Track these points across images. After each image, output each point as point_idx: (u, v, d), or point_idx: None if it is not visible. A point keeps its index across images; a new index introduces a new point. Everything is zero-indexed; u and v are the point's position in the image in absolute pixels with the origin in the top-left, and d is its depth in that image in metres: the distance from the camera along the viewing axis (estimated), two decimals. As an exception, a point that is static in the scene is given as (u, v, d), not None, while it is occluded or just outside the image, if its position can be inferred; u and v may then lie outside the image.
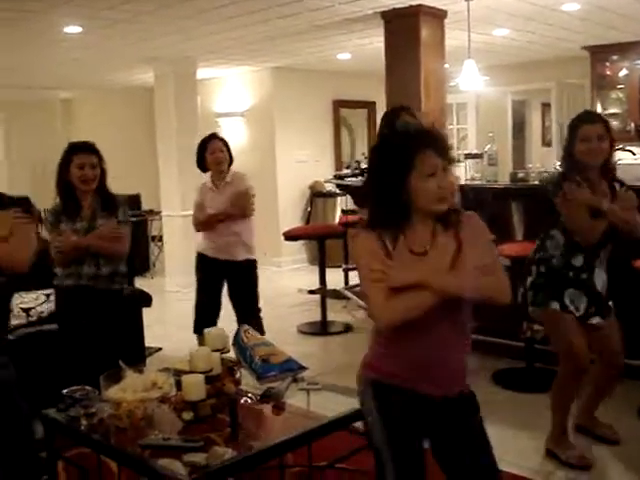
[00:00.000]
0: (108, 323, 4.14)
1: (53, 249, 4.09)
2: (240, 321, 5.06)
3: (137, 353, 4.71)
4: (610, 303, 3.69)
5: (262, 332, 4.67)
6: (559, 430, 3.73)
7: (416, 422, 2.35)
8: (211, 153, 5.04)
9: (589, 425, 3.93)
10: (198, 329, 4.99)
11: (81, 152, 4.08)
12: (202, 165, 5.14)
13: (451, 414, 2.40)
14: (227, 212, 5.02)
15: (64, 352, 4.15)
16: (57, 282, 4.21)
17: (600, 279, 3.60)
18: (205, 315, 5.05)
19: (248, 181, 5.16)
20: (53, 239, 4.11)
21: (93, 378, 3.14)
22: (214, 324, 4.77)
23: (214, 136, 5.21)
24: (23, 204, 3.08)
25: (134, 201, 10.16)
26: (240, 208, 5.04)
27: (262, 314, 5.21)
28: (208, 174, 5.20)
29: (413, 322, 2.23)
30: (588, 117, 3.66)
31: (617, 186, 3.63)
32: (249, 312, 5.11)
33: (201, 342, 3.97)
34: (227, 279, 5.16)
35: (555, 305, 3.56)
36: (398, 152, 2.24)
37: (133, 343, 4.34)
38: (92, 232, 4.07)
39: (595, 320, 3.61)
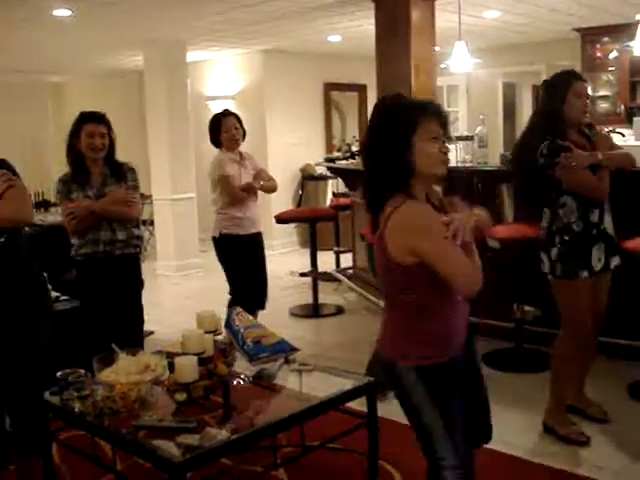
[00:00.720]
0: (128, 287, 4.34)
1: (67, 217, 4.18)
2: (253, 305, 5.07)
3: (135, 335, 4.71)
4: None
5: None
6: (558, 405, 3.75)
7: (455, 388, 2.42)
8: (226, 131, 5.04)
9: (579, 404, 3.93)
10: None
11: (91, 121, 4.22)
12: (217, 142, 5.12)
13: (468, 369, 2.51)
14: (269, 186, 5.19)
15: (87, 323, 4.30)
16: (75, 253, 4.27)
17: (610, 223, 3.63)
18: (245, 297, 4.96)
19: (257, 162, 5.33)
20: (65, 208, 4.21)
21: (84, 361, 3.17)
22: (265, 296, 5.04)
23: (228, 112, 5.22)
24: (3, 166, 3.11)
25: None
26: (274, 181, 5.25)
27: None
28: (214, 150, 5.22)
29: (444, 295, 2.31)
30: (576, 75, 3.64)
31: (587, 130, 3.67)
32: (263, 296, 5.22)
33: None
34: (250, 253, 5.17)
35: (584, 274, 3.55)
36: (404, 114, 2.29)
37: (132, 325, 4.35)
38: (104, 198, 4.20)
39: (615, 262, 3.67)
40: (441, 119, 2.31)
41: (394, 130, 2.27)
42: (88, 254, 4.21)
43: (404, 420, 2.49)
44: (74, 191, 4.19)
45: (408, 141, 2.25)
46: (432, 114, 2.29)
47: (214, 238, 5.16)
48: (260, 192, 5.18)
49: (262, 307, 5.21)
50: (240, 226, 5.06)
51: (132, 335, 4.21)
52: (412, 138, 2.24)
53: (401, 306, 2.38)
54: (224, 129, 5.04)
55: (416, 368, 2.35)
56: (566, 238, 3.58)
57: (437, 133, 2.28)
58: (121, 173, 4.32)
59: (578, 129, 3.63)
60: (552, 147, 3.49)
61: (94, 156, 4.21)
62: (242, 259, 5.12)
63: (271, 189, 5.28)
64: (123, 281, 4.28)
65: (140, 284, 4.49)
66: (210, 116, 5.35)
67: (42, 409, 3.18)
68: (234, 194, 5.00)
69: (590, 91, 3.64)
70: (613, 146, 3.76)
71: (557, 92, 3.55)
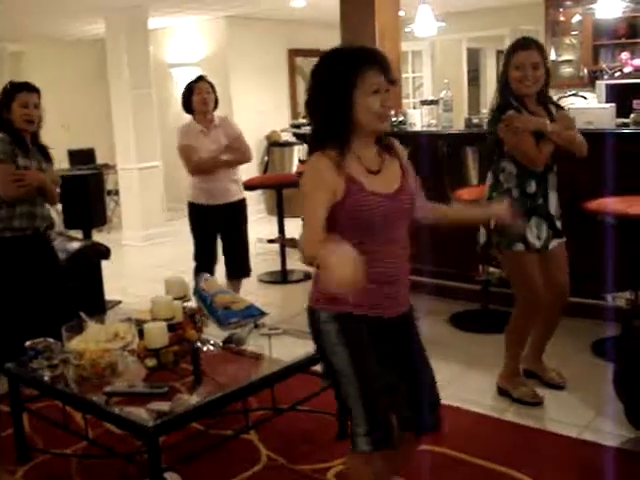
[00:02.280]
0: (49, 266, 4.25)
1: (11, 180, 3.95)
2: (231, 275, 5.11)
3: (97, 306, 4.70)
4: (559, 224, 3.66)
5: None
6: (512, 369, 3.80)
7: (379, 345, 2.31)
8: (198, 94, 4.95)
9: (537, 370, 3.95)
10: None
11: (25, 90, 4.04)
12: (188, 107, 5.04)
13: (403, 329, 2.42)
14: (232, 160, 5.02)
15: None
16: (4, 225, 4.03)
17: (553, 202, 3.60)
18: (205, 265, 4.98)
19: (237, 125, 5.19)
20: (12, 170, 3.97)
21: (53, 330, 3.16)
22: (212, 273, 4.84)
23: (201, 78, 5.11)
24: None
25: (88, 155, 10.03)
26: (242, 153, 5.07)
27: (221, 264, 5.21)
28: (188, 118, 5.11)
29: (368, 244, 2.20)
30: (522, 43, 3.55)
31: (553, 109, 3.62)
32: (244, 265, 5.19)
33: None
34: (222, 223, 5.10)
35: (520, 247, 3.54)
36: (342, 68, 2.19)
37: (92, 295, 4.34)
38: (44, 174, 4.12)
39: (553, 243, 3.63)
40: (382, 66, 2.20)
41: (334, 87, 2.18)
42: (23, 228, 4.05)
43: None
44: (20, 157, 4.02)
45: (349, 98, 2.16)
46: (372, 63, 2.18)
47: (187, 204, 5.16)
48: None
49: (246, 275, 5.22)
50: (205, 196, 4.98)
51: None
52: (353, 94, 2.16)
53: None
54: (196, 92, 4.95)
55: (337, 317, 2.26)
56: None
57: (378, 85, 2.18)
58: (48, 155, 4.25)
59: (540, 102, 3.57)
60: (498, 109, 3.53)
61: (28, 128, 4.03)
62: (204, 229, 5.07)
63: (237, 163, 5.09)
64: (45, 259, 4.22)
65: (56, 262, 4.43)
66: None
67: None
68: (192, 165, 4.91)
69: (547, 57, 3.53)
70: (571, 128, 3.62)
71: (504, 63, 3.55)
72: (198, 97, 4.94)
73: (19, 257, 4.07)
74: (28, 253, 4.08)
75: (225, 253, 5.17)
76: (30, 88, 4.08)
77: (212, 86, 5.05)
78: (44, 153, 4.22)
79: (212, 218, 5.03)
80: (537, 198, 3.54)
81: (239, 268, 5.16)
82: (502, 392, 3.83)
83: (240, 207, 5.16)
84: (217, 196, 4.99)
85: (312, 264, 2.03)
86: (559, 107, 3.73)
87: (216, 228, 5.10)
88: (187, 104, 5.02)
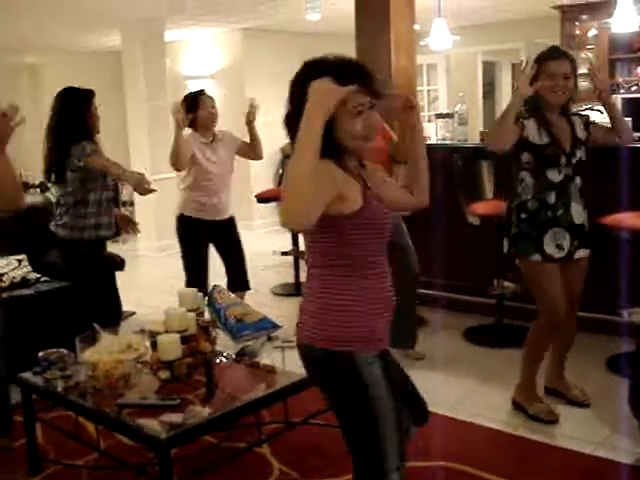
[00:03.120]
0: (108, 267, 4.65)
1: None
2: (239, 289, 5.01)
3: (111, 317, 4.71)
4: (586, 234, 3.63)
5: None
6: (528, 384, 3.76)
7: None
8: (203, 108, 4.87)
9: (559, 387, 3.91)
10: None
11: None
12: (193, 122, 4.91)
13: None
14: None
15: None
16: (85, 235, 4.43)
17: (578, 213, 3.53)
18: (198, 280, 4.89)
19: (235, 136, 5.15)
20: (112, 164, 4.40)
21: (67, 341, 3.17)
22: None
23: (204, 92, 5.04)
24: None
25: (104, 166, 10.07)
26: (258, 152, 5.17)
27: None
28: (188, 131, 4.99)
29: (379, 263, 2.10)
30: (555, 53, 3.53)
31: (577, 121, 3.58)
32: (244, 278, 5.11)
33: None
34: (218, 239, 5.04)
35: (536, 257, 3.50)
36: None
37: (108, 306, 4.36)
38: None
39: (580, 253, 3.58)
40: (366, 84, 1.99)
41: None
42: (102, 236, 4.47)
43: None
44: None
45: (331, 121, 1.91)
46: (359, 83, 1.96)
47: (177, 216, 5.02)
48: (238, 172, 5.08)
49: (248, 288, 5.19)
50: (205, 211, 4.89)
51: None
52: (335, 116, 1.94)
53: None
54: (202, 107, 4.87)
55: (352, 356, 2.06)
56: (522, 217, 3.54)
57: (362, 105, 1.98)
58: None
59: (563, 113, 3.54)
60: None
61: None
62: (201, 245, 4.98)
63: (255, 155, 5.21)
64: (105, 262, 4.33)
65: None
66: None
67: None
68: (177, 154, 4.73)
69: (577, 69, 3.49)
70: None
71: (533, 72, 3.46)
72: (204, 112, 4.86)
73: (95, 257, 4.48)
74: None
75: (226, 268, 5.10)
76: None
77: (213, 101, 5.00)
78: None
79: (210, 235, 4.95)
80: (557, 209, 3.49)
81: (242, 281, 5.09)
82: (518, 407, 3.79)
83: (233, 222, 5.08)
84: (214, 212, 4.91)
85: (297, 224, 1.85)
86: (582, 116, 3.69)
87: (208, 244, 5.02)
88: (191, 117, 4.87)
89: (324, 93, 1.84)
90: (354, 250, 2.05)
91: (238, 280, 5.05)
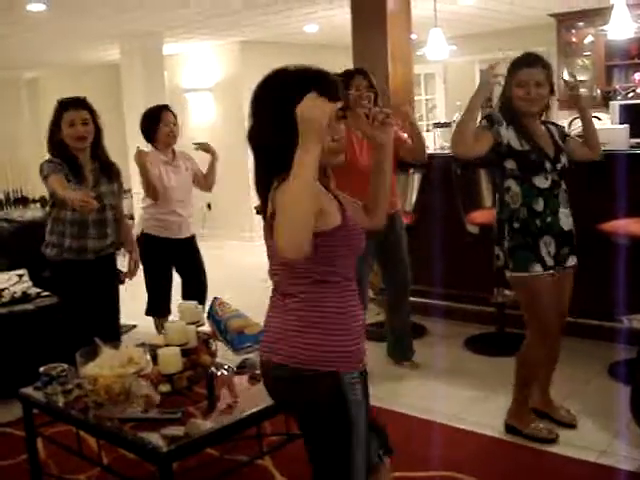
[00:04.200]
0: (107, 282, 4.25)
1: (81, 199, 3.59)
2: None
3: (113, 331, 4.71)
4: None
5: None
6: (522, 406, 3.63)
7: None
8: (165, 125, 4.75)
9: (547, 409, 3.78)
10: (157, 311, 4.95)
11: (71, 108, 3.90)
12: (150, 136, 4.83)
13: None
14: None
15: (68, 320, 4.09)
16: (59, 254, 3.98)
17: (566, 219, 3.45)
18: (164, 296, 4.92)
19: (196, 163, 5.01)
20: (79, 193, 3.67)
21: (68, 356, 3.17)
22: (169, 308, 4.78)
23: (166, 107, 4.91)
24: None
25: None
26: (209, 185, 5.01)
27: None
28: (146, 147, 4.95)
29: (348, 276, 2.03)
30: (526, 60, 3.41)
31: (554, 129, 3.53)
32: (204, 292, 4.97)
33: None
34: (179, 257, 4.93)
35: (537, 268, 3.38)
36: (278, 100, 1.90)
37: (109, 320, 4.33)
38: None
39: (570, 261, 3.50)
40: (332, 93, 1.86)
41: (278, 122, 1.87)
42: (73, 259, 3.98)
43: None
44: (72, 183, 3.82)
45: (294, 138, 1.75)
46: (323, 91, 1.81)
47: (139, 235, 4.83)
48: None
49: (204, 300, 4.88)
50: (167, 229, 4.78)
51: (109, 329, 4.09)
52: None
53: None
54: (164, 122, 4.75)
55: (334, 375, 1.99)
56: (516, 226, 3.41)
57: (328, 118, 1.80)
58: (112, 172, 4.11)
59: (541, 120, 3.50)
60: (489, 117, 3.46)
61: (79, 146, 3.88)
62: (164, 265, 4.89)
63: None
64: (103, 277, 4.19)
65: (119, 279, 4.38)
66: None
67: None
68: (154, 195, 4.74)
69: (552, 75, 3.41)
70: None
71: (507, 79, 3.43)
72: (166, 129, 4.74)
73: (74, 280, 4.01)
74: (84, 277, 4.02)
75: (191, 288, 4.95)
76: (76, 104, 3.94)
77: (176, 117, 4.88)
78: (108, 172, 4.07)
79: (171, 252, 4.86)
80: (546, 216, 3.39)
81: (200, 294, 4.88)
82: (510, 430, 3.64)
83: (195, 241, 5.00)
84: (176, 229, 4.81)
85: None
86: (558, 126, 3.63)
87: (173, 264, 4.94)
88: (150, 133, 4.81)
89: (315, 120, 1.73)
90: (332, 267, 1.99)
91: (196, 293, 4.79)
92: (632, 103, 7.06)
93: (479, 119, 3.59)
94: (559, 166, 3.42)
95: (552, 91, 3.44)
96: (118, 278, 4.35)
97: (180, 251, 4.89)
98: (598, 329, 4.64)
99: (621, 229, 4.01)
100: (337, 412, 1.98)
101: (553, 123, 3.64)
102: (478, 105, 3.38)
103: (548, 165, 3.39)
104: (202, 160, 4.98)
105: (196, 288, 4.91)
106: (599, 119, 6.34)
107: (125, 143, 9.06)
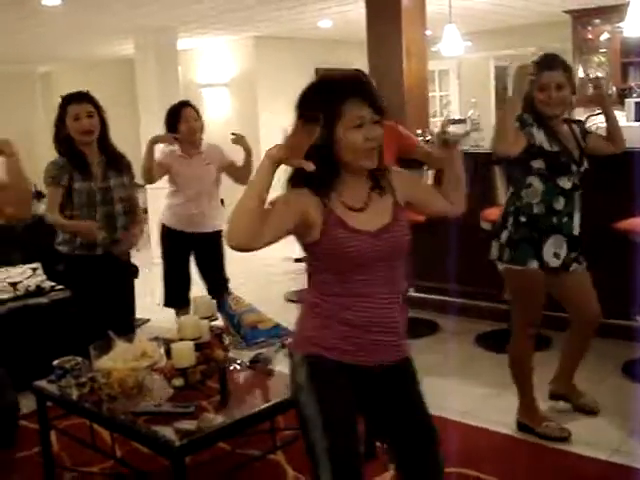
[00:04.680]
0: (121, 276, 4.20)
1: (68, 226, 3.89)
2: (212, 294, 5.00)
3: (127, 324, 4.72)
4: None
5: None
6: (528, 403, 3.64)
7: (352, 397, 2.15)
8: (185, 122, 4.78)
9: (568, 393, 3.83)
10: (173, 302, 4.95)
11: (74, 102, 3.88)
12: (174, 132, 4.82)
13: (389, 383, 2.21)
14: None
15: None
16: (70, 248, 3.98)
17: (578, 223, 3.49)
18: (179, 288, 4.91)
19: (226, 153, 4.97)
20: (53, 194, 3.88)
21: (82, 349, 3.18)
22: (187, 300, 4.74)
23: (187, 103, 4.93)
24: None
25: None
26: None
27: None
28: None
29: (347, 282, 2.09)
30: (547, 63, 3.44)
31: (576, 128, 3.56)
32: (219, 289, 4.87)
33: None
34: (197, 251, 4.94)
35: (533, 264, 3.42)
36: (321, 101, 2.03)
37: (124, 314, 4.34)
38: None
39: (574, 267, 3.52)
40: (366, 96, 2.04)
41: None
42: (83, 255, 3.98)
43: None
44: (77, 180, 3.86)
45: (330, 134, 2.00)
46: (355, 94, 2.01)
47: (160, 226, 4.94)
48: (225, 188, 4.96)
49: (226, 290, 4.85)
50: (183, 223, 4.82)
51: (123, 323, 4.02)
52: (334, 130, 2.01)
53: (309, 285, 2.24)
54: (184, 119, 4.78)
55: (308, 360, 2.13)
56: (522, 220, 3.44)
57: (362, 118, 2.01)
58: (121, 164, 4.10)
59: (565, 121, 3.53)
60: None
61: (85, 140, 3.88)
62: (179, 258, 4.91)
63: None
64: (117, 271, 4.17)
65: (133, 273, 4.39)
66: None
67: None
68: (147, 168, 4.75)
69: (573, 76, 3.44)
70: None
71: (529, 82, 3.39)
72: (185, 125, 4.76)
73: (87, 275, 4.00)
74: (97, 271, 3.99)
75: (209, 282, 4.97)
76: (80, 98, 3.92)
77: (198, 112, 4.90)
78: (117, 164, 4.07)
79: (190, 245, 4.88)
80: (563, 216, 3.44)
81: (220, 285, 4.90)
82: (523, 428, 3.65)
83: (219, 236, 4.92)
84: (194, 224, 4.81)
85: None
86: (579, 124, 3.65)
87: (188, 255, 4.94)
88: (172, 129, 4.82)
89: (270, 157, 1.95)
90: (318, 271, 2.16)
91: (216, 284, 4.88)
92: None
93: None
94: (582, 169, 3.47)
95: (574, 92, 3.48)
96: (133, 272, 4.35)
97: (197, 245, 4.90)
98: (612, 328, 4.61)
99: (637, 227, 3.99)
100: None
101: (575, 121, 3.66)
102: (517, 105, 3.37)
103: (574, 167, 3.44)
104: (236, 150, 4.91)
105: (211, 284, 4.92)
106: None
107: (139, 138, 9.09)
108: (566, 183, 3.43)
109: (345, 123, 2.01)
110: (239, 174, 4.83)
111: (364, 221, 2.09)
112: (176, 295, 4.87)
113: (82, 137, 3.89)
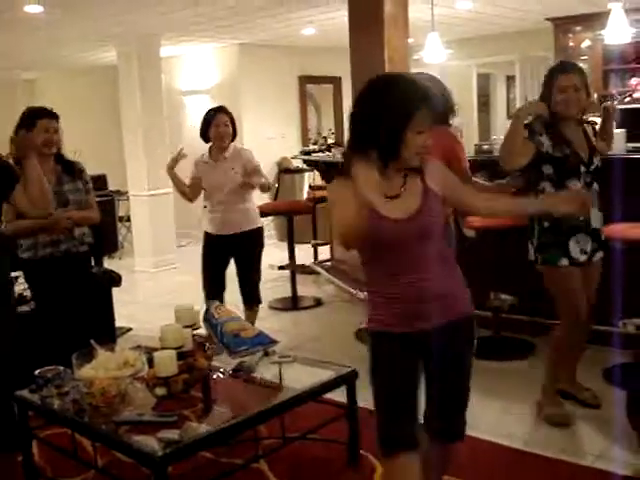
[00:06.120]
0: (81, 286, 4.28)
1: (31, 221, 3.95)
2: (247, 303, 5.09)
3: (108, 333, 4.70)
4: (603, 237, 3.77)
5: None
6: (552, 390, 3.84)
7: (413, 357, 2.45)
8: (215, 125, 4.92)
9: (571, 389, 4.00)
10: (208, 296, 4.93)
11: (46, 117, 4.17)
12: (206, 137, 5.01)
13: (443, 340, 2.48)
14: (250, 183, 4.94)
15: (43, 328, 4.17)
16: (31, 254, 4.18)
17: (596, 217, 3.68)
18: (214, 294, 4.85)
19: (254, 158, 5.06)
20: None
21: (64, 358, 3.16)
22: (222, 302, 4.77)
23: (221, 109, 5.08)
24: None
25: (100, 182, 10.08)
26: (256, 184, 4.94)
27: (231, 291, 5.17)
28: (201, 147, 5.12)
29: (387, 264, 2.38)
30: (564, 68, 3.70)
31: (589, 129, 3.74)
32: (252, 291, 5.12)
33: None
34: (234, 253, 5.05)
35: (565, 261, 3.61)
36: (400, 108, 2.28)
37: (103, 323, 4.33)
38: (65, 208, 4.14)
39: (598, 256, 3.72)
40: (431, 108, 2.33)
41: (389, 122, 2.27)
42: (46, 255, 4.16)
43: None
44: None
45: (400, 135, 2.27)
46: (426, 105, 2.30)
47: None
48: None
49: (257, 302, 5.17)
50: (212, 225, 4.99)
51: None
52: (404, 132, 2.27)
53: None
54: (214, 123, 4.92)
55: (371, 334, 2.48)
56: (546, 225, 3.63)
57: (425, 127, 2.30)
58: (75, 171, 4.30)
59: (579, 122, 3.68)
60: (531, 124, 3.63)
61: (48, 152, 4.14)
62: (207, 258, 5.06)
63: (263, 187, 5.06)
64: (77, 280, 4.24)
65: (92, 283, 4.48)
66: (185, 111, 5.27)
67: (11, 407, 3.17)
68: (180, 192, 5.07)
69: (587, 80, 3.68)
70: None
71: (546, 86, 3.65)
72: (215, 130, 4.91)
73: (49, 279, 4.17)
74: (58, 275, 4.16)
75: (239, 282, 5.11)
76: (51, 114, 4.22)
77: (231, 118, 5.01)
78: (70, 170, 4.28)
79: (220, 248, 5.00)
80: (578, 216, 3.51)
81: (248, 296, 5.12)
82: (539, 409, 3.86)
83: (251, 237, 5.04)
84: (221, 226, 4.96)
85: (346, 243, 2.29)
86: (590, 124, 3.82)
87: (225, 258, 5.06)
88: (205, 134, 4.99)
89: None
90: (368, 261, 2.44)
91: (247, 294, 5.09)
92: (629, 107, 7.08)
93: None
94: (592, 168, 3.65)
95: (588, 95, 3.70)
96: (110, 279, 4.42)
97: (235, 247, 5.01)
98: (594, 333, 4.62)
99: (617, 234, 4.03)
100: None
101: (588, 121, 3.84)
102: (520, 129, 3.57)
103: (582, 168, 3.62)
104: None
105: (242, 283, 5.09)
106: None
107: (122, 144, 9.07)
108: (577, 184, 3.60)
109: (413, 129, 2.27)
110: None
111: (395, 208, 2.34)
112: (209, 291, 4.94)
113: (46, 149, 4.13)
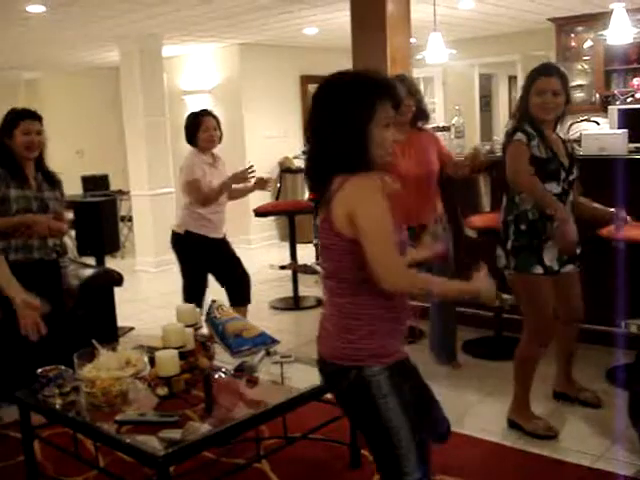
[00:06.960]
0: (52, 293, 4.08)
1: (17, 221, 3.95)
2: (239, 303, 5.00)
3: (110, 333, 4.70)
4: (579, 251, 3.64)
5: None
6: (522, 401, 3.71)
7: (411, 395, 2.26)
8: (205, 130, 4.85)
9: (569, 391, 3.96)
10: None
11: (28, 118, 4.06)
12: (192, 140, 4.91)
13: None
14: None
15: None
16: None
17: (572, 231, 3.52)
18: (197, 298, 4.84)
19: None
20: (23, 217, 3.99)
21: (65, 358, 3.16)
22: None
23: (207, 113, 5.00)
24: None
25: (102, 181, 10.11)
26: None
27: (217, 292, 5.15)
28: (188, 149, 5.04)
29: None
30: (544, 70, 3.54)
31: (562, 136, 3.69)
32: (246, 292, 5.09)
33: None
34: (221, 255, 5.05)
35: (538, 269, 3.50)
36: (360, 101, 2.06)
37: (105, 323, 4.32)
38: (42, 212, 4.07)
39: (568, 268, 3.60)
40: (395, 98, 2.12)
41: (349, 117, 2.05)
42: (18, 260, 3.94)
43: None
44: (12, 188, 3.97)
45: (364, 131, 2.05)
46: (388, 95, 2.09)
47: (176, 234, 4.95)
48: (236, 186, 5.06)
49: (249, 301, 5.14)
50: (208, 228, 4.92)
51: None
52: (368, 127, 2.05)
53: (356, 289, 2.14)
54: (203, 128, 4.85)
55: (386, 369, 2.15)
56: (522, 228, 3.53)
57: (391, 118, 2.10)
58: (55, 181, 4.23)
59: (553, 129, 3.61)
60: (513, 130, 3.54)
61: (29, 155, 4.04)
62: (203, 262, 4.98)
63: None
64: (48, 282, 4.11)
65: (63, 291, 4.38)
66: (187, 110, 5.25)
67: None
68: (204, 197, 4.81)
69: (568, 85, 3.55)
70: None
71: (525, 88, 3.55)
72: (206, 134, 4.84)
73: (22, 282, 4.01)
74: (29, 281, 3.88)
75: (228, 283, 5.05)
76: (33, 115, 4.10)
77: (218, 121, 4.97)
78: (50, 180, 4.21)
79: (210, 251, 4.96)
80: (554, 221, 3.47)
81: (245, 295, 5.08)
82: (513, 425, 3.72)
83: (227, 240, 5.11)
84: (215, 229, 4.94)
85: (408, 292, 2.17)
86: (565, 143, 3.71)
87: (214, 261, 5.03)
88: (192, 137, 4.90)
89: None
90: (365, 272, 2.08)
91: (239, 294, 5.03)
92: (631, 108, 7.06)
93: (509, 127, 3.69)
94: (571, 177, 3.56)
95: (568, 100, 3.55)
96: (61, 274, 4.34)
97: (217, 250, 5.00)
98: (596, 334, 4.64)
99: (620, 234, 4.01)
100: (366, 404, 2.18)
101: (563, 140, 3.72)
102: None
103: (562, 174, 3.52)
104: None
105: (236, 284, 5.06)
106: (598, 124, 6.35)
107: (123, 144, 9.07)
108: (555, 187, 3.50)
109: (378, 122, 2.07)
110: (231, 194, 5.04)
111: None
112: (193, 296, 4.86)
113: (27, 152, 4.04)
